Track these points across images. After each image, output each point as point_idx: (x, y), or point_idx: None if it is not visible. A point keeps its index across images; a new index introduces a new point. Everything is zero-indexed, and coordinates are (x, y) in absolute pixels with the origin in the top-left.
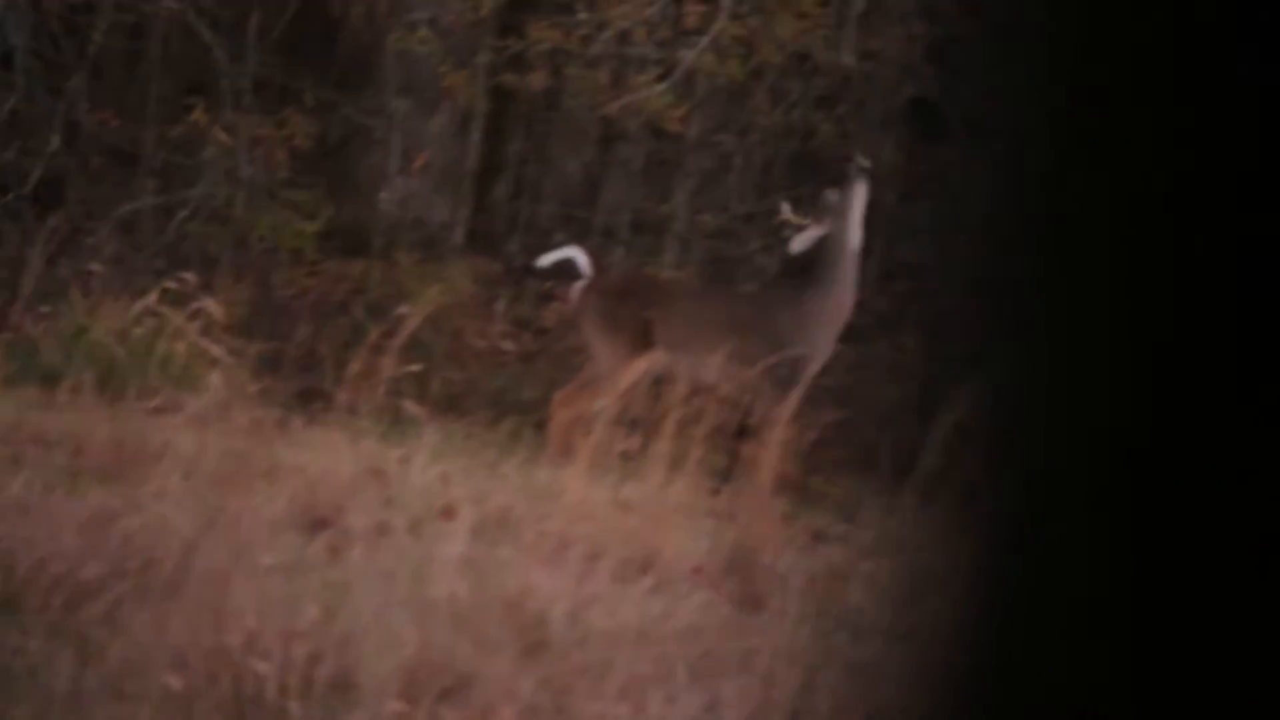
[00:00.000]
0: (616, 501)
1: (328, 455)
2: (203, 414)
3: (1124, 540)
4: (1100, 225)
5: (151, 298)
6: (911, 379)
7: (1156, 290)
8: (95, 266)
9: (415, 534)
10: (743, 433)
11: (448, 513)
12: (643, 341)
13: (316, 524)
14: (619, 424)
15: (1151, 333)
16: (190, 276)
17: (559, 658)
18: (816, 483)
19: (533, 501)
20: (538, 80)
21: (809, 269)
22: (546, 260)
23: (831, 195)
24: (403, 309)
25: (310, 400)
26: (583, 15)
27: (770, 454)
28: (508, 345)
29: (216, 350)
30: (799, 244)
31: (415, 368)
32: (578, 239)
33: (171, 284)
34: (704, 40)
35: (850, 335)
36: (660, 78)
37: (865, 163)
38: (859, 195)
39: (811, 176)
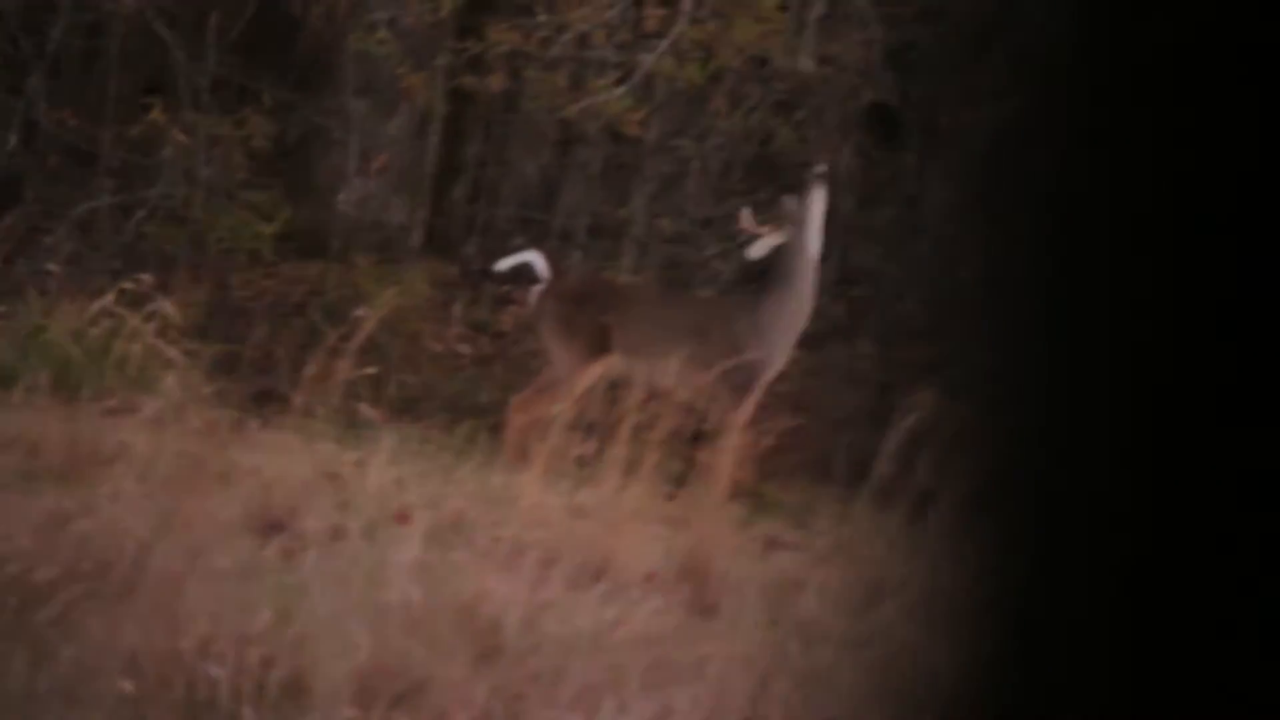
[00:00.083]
0: (571, 507)
1: (283, 458)
2: (158, 415)
3: (1116, 552)
4: (1071, 228)
5: (108, 298)
6: (867, 386)
7: (1130, 294)
8: (52, 266)
9: (370, 538)
10: (698, 438)
11: (402, 517)
12: (600, 346)
13: (271, 527)
14: (575, 429)
15: (1128, 336)
16: (147, 277)
17: (512, 664)
18: (771, 489)
19: (488, 506)
20: (496, 82)
21: (767, 275)
22: (505, 264)
23: (789, 202)
24: (359, 311)
25: (266, 402)
26: (542, 18)
27: (725, 460)
28: (464, 349)
29: (172, 352)
30: (757, 251)
31: (371, 370)
32: (535, 242)
33: (128, 284)
34: (663, 44)
35: (806, 341)
36: (619, 81)
37: (823, 169)
38: (817, 202)
39: (770, 181)
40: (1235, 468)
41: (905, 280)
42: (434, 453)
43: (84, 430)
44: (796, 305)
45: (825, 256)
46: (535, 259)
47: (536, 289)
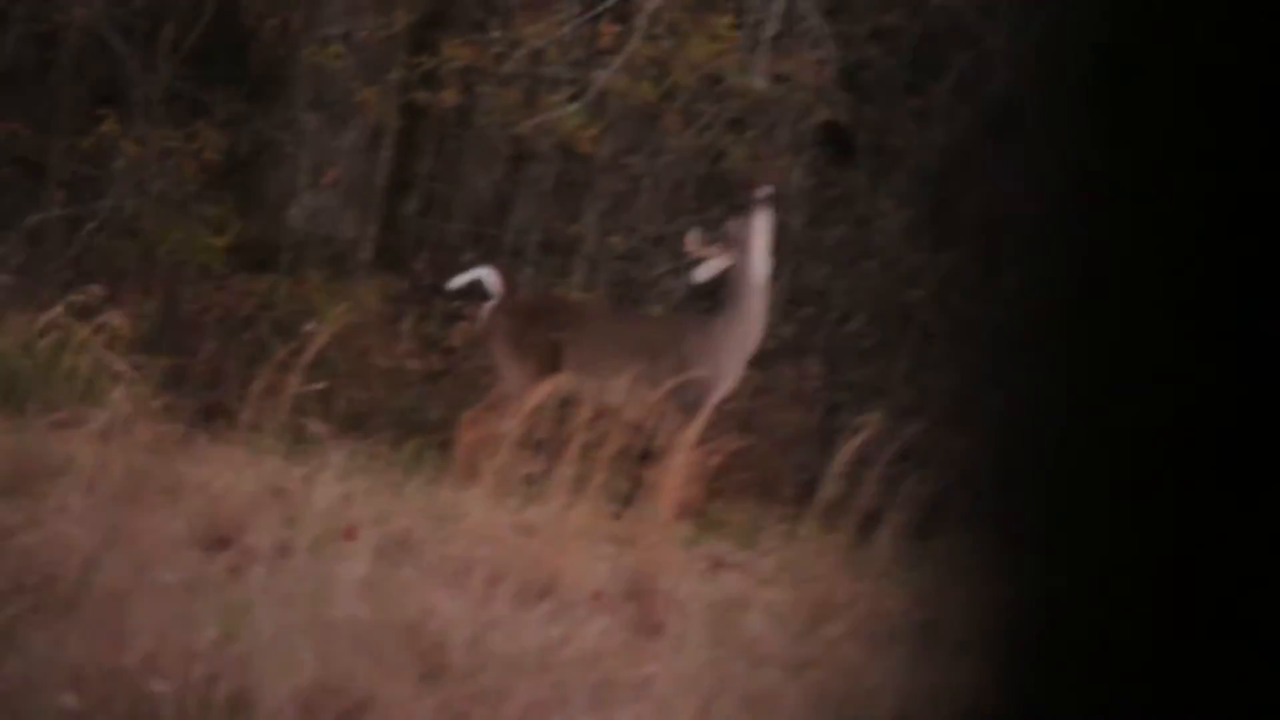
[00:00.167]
0: (519, 524)
1: (230, 473)
2: (106, 429)
3: (1070, 571)
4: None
5: (57, 310)
6: (815, 406)
7: (1085, 313)
8: (2, 277)
9: (316, 554)
10: (646, 457)
11: (349, 533)
12: (550, 364)
13: (217, 542)
14: (524, 446)
15: (1082, 355)
16: (96, 289)
17: (458, 682)
18: (718, 508)
19: (436, 523)
20: (450, 97)
21: (717, 295)
22: (457, 282)
23: (734, 225)
24: (309, 326)
25: (214, 417)
26: (496, 34)
27: (673, 479)
28: (414, 364)
29: (121, 364)
30: (703, 274)
31: (320, 386)
32: (486, 258)
33: (78, 296)
34: (617, 61)
35: (756, 360)
36: (572, 98)
37: (767, 191)
38: (761, 224)
39: (722, 199)
40: (1193, 491)
41: (854, 300)
42: (382, 469)
43: (31, 443)
44: (746, 325)
45: (776, 276)
46: (487, 275)
47: (487, 305)
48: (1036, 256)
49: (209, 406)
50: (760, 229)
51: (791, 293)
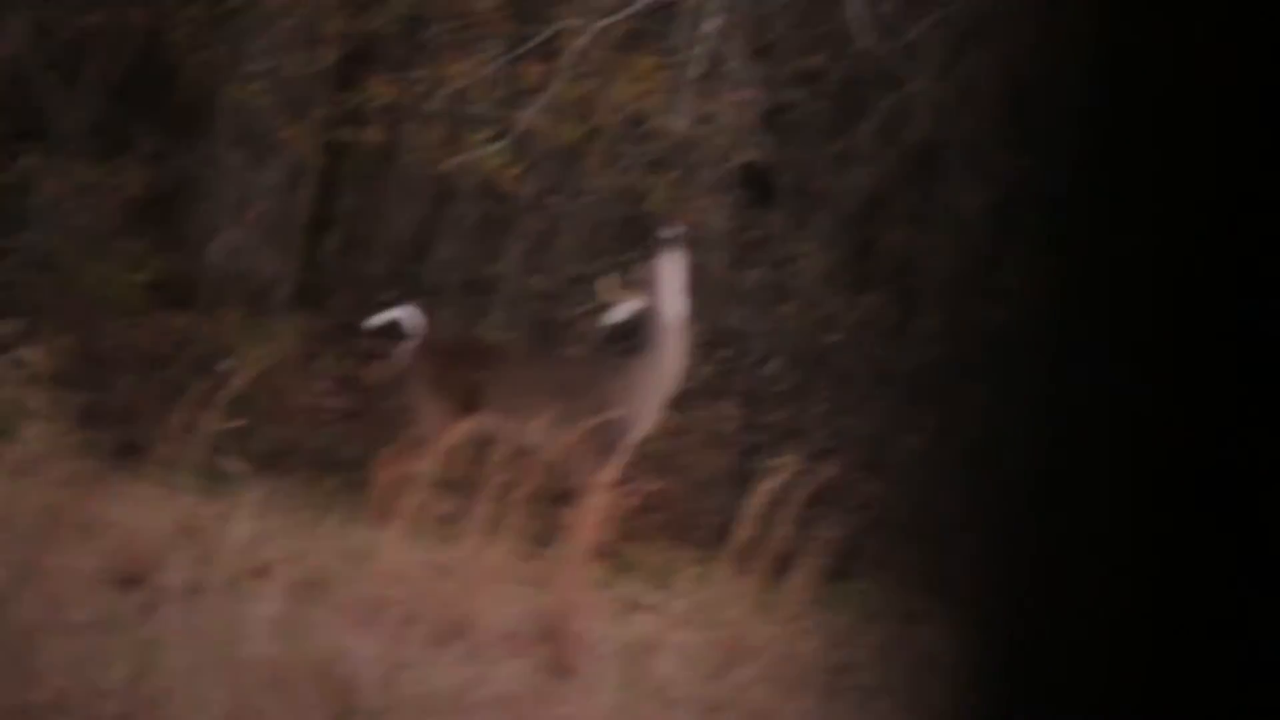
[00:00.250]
0: (433, 565)
1: (145, 510)
2: (20, 464)
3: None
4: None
5: None
6: (731, 448)
7: (1011, 354)
8: None
9: (230, 593)
10: (562, 498)
11: (263, 572)
12: (469, 404)
13: (130, 580)
14: (439, 486)
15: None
16: (14, 324)
17: None
18: (633, 550)
19: (349, 562)
20: (373, 135)
21: (633, 336)
22: (377, 321)
23: (643, 269)
24: (227, 363)
25: (130, 454)
26: (420, 72)
27: (588, 520)
28: (331, 403)
29: (37, 400)
30: (615, 317)
31: (237, 423)
32: (407, 297)
33: None
34: (541, 101)
35: (673, 402)
36: (496, 137)
37: (673, 233)
38: (669, 265)
39: (643, 240)
40: (1129, 524)
41: (773, 342)
42: (297, 507)
43: None
44: (663, 367)
45: (694, 317)
46: (406, 315)
47: (407, 345)
48: (955, 300)
49: (125, 443)
50: (669, 269)
51: (710, 334)
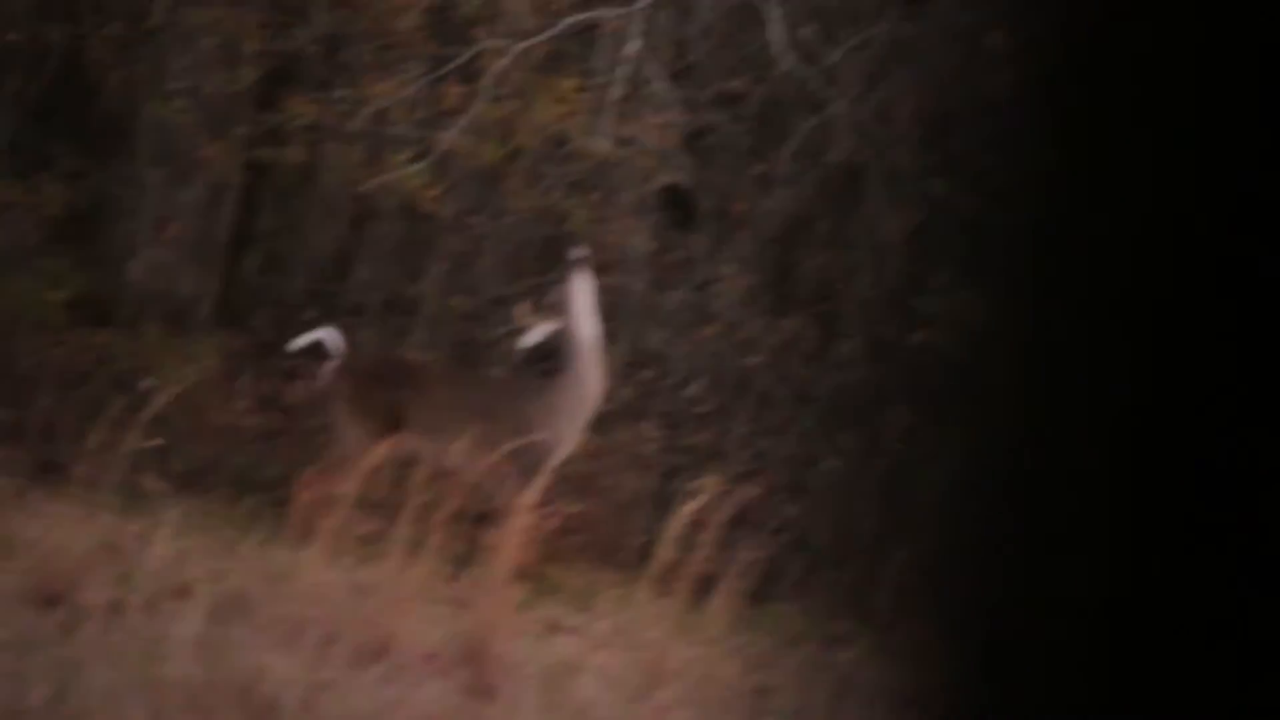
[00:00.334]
0: (354, 585)
1: (64, 529)
2: None
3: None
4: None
5: None
6: (652, 470)
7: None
8: None
9: (150, 612)
10: (483, 519)
11: (183, 592)
12: (390, 424)
13: (49, 600)
14: (360, 507)
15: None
16: None
17: None
18: (554, 572)
19: (270, 582)
20: (294, 155)
21: (553, 358)
22: (299, 343)
23: (555, 292)
24: (147, 382)
25: (49, 472)
26: (342, 92)
27: (509, 542)
28: (251, 423)
29: None
30: (530, 339)
31: (157, 442)
32: (327, 316)
33: None
34: (462, 122)
35: (594, 423)
36: (417, 157)
37: (581, 254)
38: (580, 286)
39: (563, 261)
40: (1084, 545)
41: (693, 364)
42: (218, 527)
43: None
44: (583, 388)
45: (613, 338)
46: (327, 336)
47: (328, 365)
48: (875, 323)
49: (44, 462)
50: (580, 290)
51: (631, 356)
